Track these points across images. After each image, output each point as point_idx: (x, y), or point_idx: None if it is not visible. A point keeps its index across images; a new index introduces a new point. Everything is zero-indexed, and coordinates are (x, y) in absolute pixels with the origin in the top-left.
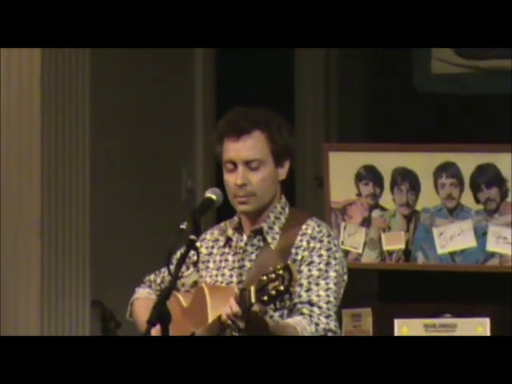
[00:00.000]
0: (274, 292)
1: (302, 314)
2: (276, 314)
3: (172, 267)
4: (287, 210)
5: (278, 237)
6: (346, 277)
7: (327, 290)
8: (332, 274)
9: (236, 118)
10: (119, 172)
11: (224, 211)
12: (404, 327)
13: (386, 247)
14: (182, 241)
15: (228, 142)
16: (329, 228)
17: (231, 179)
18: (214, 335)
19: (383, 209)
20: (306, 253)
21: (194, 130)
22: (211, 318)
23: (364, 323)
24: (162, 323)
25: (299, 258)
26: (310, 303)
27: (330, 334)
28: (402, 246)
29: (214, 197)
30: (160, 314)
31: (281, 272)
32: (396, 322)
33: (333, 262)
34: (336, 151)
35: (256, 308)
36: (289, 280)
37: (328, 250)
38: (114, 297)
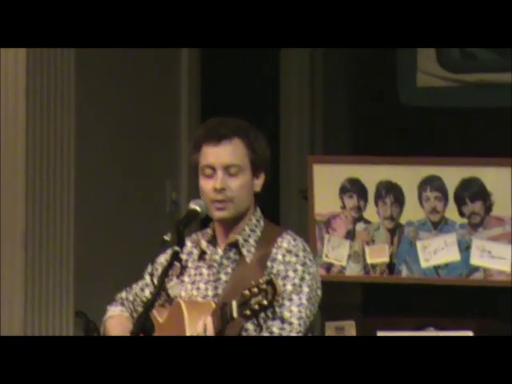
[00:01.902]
0: (256, 306)
1: (271, 332)
2: (251, 327)
3: (155, 279)
4: (262, 222)
5: (253, 250)
6: (319, 291)
7: (300, 305)
8: (305, 289)
9: (215, 125)
10: (103, 184)
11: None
12: None
13: (369, 260)
14: (161, 250)
15: (207, 147)
16: (304, 242)
17: (209, 185)
18: None
19: (367, 222)
20: (281, 267)
21: (178, 142)
22: (189, 334)
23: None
24: (144, 335)
25: (274, 271)
26: (282, 320)
27: None
28: (386, 259)
29: (198, 208)
30: (144, 325)
31: (264, 286)
32: (379, 334)
33: (307, 277)
34: (321, 164)
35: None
36: (272, 294)
37: (303, 264)
38: (98, 308)
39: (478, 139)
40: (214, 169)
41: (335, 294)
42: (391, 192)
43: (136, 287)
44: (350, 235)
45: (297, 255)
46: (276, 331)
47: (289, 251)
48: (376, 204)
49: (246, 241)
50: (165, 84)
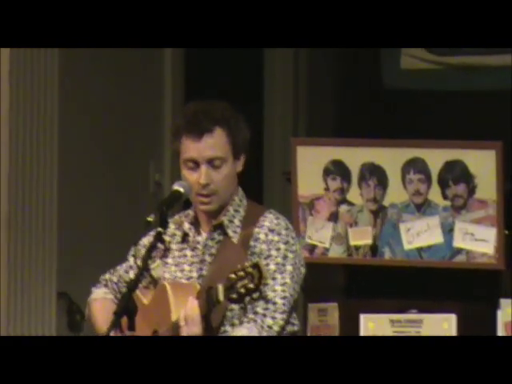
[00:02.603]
0: (243, 290)
1: (256, 313)
2: (236, 307)
3: (139, 260)
4: (245, 201)
5: (238, 230)
6: (303, 269)
7: (283, 284)
8: (289, 267)
9: (196, 118)
10: (87, 164)
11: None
12: (370, 322)
13: (352, 242)
14: (145, 232)
15: (188, 140)
16: (287, 221)
17: (193, 177)
18: (176, 335)
19: (351, 204)
20: (263, 246)
21: (162, 123)
22: (174, 316)
23: (330, 318)
24: (128, 315)
25: (257, 250)
26: (265, 300)
27: (289, 329)
28: (369, 242)
29: (181, 189)
30: (127, 306)
31: (250, 270)
32: (362, 317)
33: (290, 255)
34: (304, 146)
35: (215, 322)
36: (259, 278)
37: (286, 243)
38: (81, 289)
39: (461, 122)
40: (196, 163)
41: (318, 276)
42: (375, 174)
43: (120, 269)
44: (334, 217)
45: (279, 234)
46: (260, 311)
47: (271, 230)
48: (359, 186)
49: (230, 221)
50: (149, 66)
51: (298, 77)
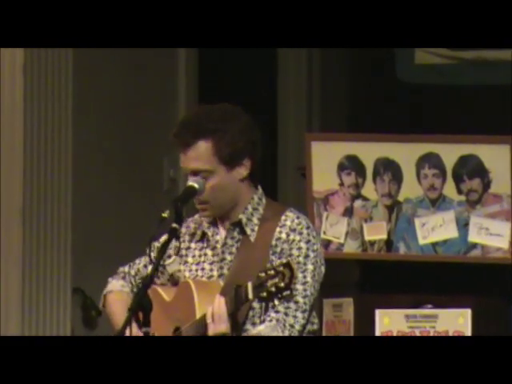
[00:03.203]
0: (273, 289)
1: (277, 311)
2: (257, 306)
3: (153, 255)
4: (264, 200)
5: (256, 228)
6: (323, 268)
7: (304, 283)
8: (310, 266)
9: (180, 131)
10: (101, 161)
11: None
12: (385, 317)
13: (367, 237)
14: (164, 229)
15: (179, 153)
16: (307, 219)
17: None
18: (200, 332)
19: (365, 199)
20: (285, 245)
21: (176, 119)
22: (199, 313)
23: (345, 313)
24: (143, 311)
25: (278, 250)
26: (287, 298)
27: (309, 328)
28: (384, 237)
29: (196, 185)
30: (141, 301)
31: (281, 269)
32: (377, 312)
33: (311, 254)
34: (318, 141)
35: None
36: (290, 277)
37: (307, 242)
38: (96, 284)
39: (476, 116)
40: (186, 175)
41: (333, 271)
42: (389, 169)
43: (139, 263)
44: (348, 212)
45: (300, 233)
46: (282, 310)
47: (292, 229)
48: (374, 181)
49: (249, 220)
50: (163, 62)
51: (311, 72)
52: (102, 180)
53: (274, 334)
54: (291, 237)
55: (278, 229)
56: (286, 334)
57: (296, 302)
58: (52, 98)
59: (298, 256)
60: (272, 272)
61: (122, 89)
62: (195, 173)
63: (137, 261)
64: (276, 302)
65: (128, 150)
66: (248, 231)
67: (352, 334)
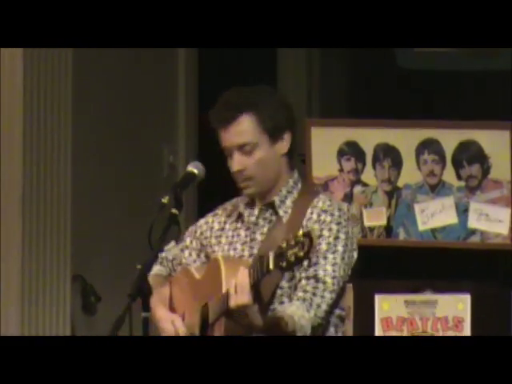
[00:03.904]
0: (293, 258)
1: (305, 291)
2: (286, 285)
3: (152, 241)
4: (300, 185)
5: (289, 211)
6: (355, 254)
7: (334, 264)
8: (340, 248)
9: (221, 108)
10: (101, 148)
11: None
12: (384, 303)
13: (367, 223)
14: (164, 215)
15: (220, 131)
16: (340, 203)
17: (230, 165)
18: (223, 308)
19: (365, 185)
20: (316, 226)
21: (175, 105)
22: (225, 287)
23: (345, 299)
24: (142, 297)
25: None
26: (316, 278)
27: (337, 313)
28: (384, 222)
29: (195, 171)
30: (140, 287)
31: (301, 239)
32: (377, 297)
33: (342, 236)
34: (318, 127)
35: (255, 307)
36: (309, 246)
37: (338, 223)
38: (95, 271)
39: (476, 102)
40: (229, 150)
41: None
42: (389, 155)
43: (176, 247)
44: (348, 198)
45: (332, 215)
46: (310, 290)
47: (324, 211)
48: (374, 167)
49: (282, 202)
50: (163, 50)
51: (311, 58)
52: (102, 167)
53: (300, 312)
54: (322, 217)
55: (309, 209)
56: (312, 313)
57: (324, 283)
58: (52, 84)
59: (329, 237)
60: (292, 242)
61: (121, 75)
62: (240, 147)
63: (174, 245)
64: (304, 281)
65: (128, 136)
66: (281, 212)
67: (351, 319)
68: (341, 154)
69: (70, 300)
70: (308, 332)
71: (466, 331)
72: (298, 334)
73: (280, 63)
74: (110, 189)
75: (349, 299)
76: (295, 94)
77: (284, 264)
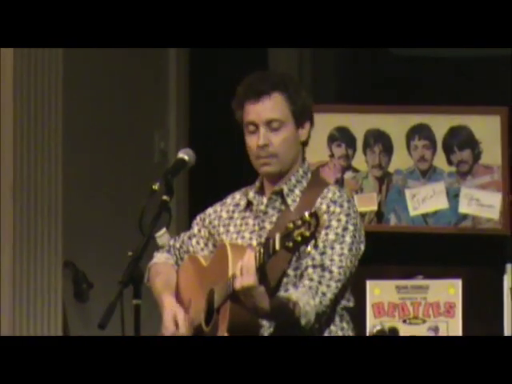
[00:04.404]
0: (299, 238)
1: (311, 279)
2: (292, 273)
3: (144, 228)
4: (309, 174)
5: (298, 200)
6: (362, 246)
7: (341, 255)
8: (348, 239)
9: (254, 82)
10: (92, 134)
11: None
12: (376, 288)
13: (358, 209)
14: (155, 202)
15: (248, 104)
16: (349, 194)
17: (253, 141)
18: (228, 291)
19: (356, 170)
20: (325, 216)
21: (167, 92)
22: (231, 273)
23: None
24: (134, 284)
25: None
26: (322, 267)
27: (343, 304)
28: (375, 208)
29: (186, 157)
30: (132, 274)
31: (307, 218)
32: (368, 283)
33: (351, 227)
34: None
35: (261, 289)
36: (315, 226)
37: (347, 215)
38: (87, 257)
39: (466, 88)
40: (256, 125)
41: None
42: (380, 140)
43: (184, 235)
44: (339, 184)
45: (341, 206)
46: (316, 278)
47: (333, 201)
48: (364, 152)
49: (291, 190)
50: (155, 53)
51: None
52: (93, 154)
53: (305, 298)
54: (332, 208)
55: (319, 200)
56: (317, 301)
57: (331, 272)
58: (42, 70)
59: (337, 228)
60: (299, 222)
61: (113, 64)
62: (268, 123)
63: (182, 233)
64: (310, 270)
65: (119, 122)
66: (289, 201)
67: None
68: (331, 139)
69: (62, 287)
70: (312, 319)
71: (458, 316)
72: (303, 320)
73: (272, 48)
74: (101, 176)
75: None
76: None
77: (290, 244)
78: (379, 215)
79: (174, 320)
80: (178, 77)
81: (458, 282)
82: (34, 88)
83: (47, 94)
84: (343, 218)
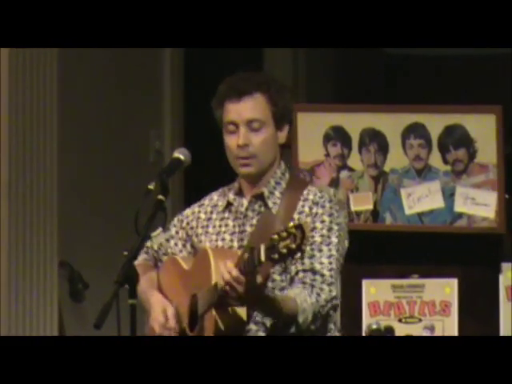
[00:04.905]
0: (285, 250)
1: (304, 283)
2: (278, 278)
3: (139, 228)
4: (287, 175)
5: (278, 202)
6: (346, 243)
7: (330, 256)
8: (334, 239)
9: (236, 81)
10: (87, 133)
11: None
12: (372, 288)
13: (353, 208)
14: (150, 202)
15: (229, 103)
16: (331, 193)
17: (232, 141)
18: (212, 301)
19: (351, 169)
20: (308, 219)
21: (162, 91)
22: (215, 279)
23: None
24: (129, 283)
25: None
26: (313, 271)
27: (334, 302)
28: (370, 207)
29: (181, 157)
30: (127, 274)
31: (293, 230)
32: (364, 282)
33: (335, 227)
34: (304, 112)
35: (259, 279)
36: (301, 238)
37: (330, 215)
38: (82, 257)
39: (461, 86)
40: (236, 125)
41: None
42: (375, 139)
43: (161, 237)
44: (334, 183)
45: (323, 206)
46: (308, 281)
47: (315, 203)
48: (360, 152)
49: (271, 193)
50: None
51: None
52: (88, 153)
53: (302, 295)
54: (314, 210)
55: (300, 202)
56: (314, 299)
57: (322, 275)
58: (37, 70)
59: (322, 229)
60: (284, 234)
61: (108, 63)
62: (249, 122)
63: (160, 231)
64: (301, 274)
65: (114, 122)
66: (270, 204)
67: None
68: (327, 138)
69: (58, 287)
70: (310, 317)
71: (453, 315)
72: (300, 317)
73: (267, 48)
74: (97, 175)
75: None
76: (281, 78)
77: (276, 256)
78: (375, 214)
79: (164, 313)
80: (173, 76)
81: (454, 281)
82: (29, 87)
83: (42, 93)
84: (327, 218)
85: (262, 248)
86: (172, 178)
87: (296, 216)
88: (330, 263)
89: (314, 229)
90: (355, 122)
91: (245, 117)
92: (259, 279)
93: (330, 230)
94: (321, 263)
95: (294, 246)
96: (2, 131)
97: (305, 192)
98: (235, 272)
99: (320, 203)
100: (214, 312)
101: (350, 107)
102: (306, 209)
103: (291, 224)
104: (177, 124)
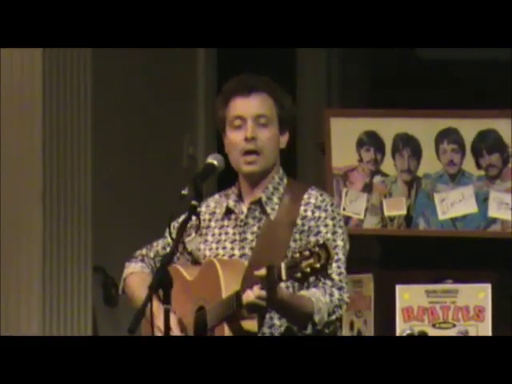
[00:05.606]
0: (308, 269)
1: (315, 286)
2: (283, 285)
3: (174, 233)
4: (285, 180)
5: (277, 207)
6: (348, 245)
7: (337, 260)
8: (339, 243)
9: (245, 78)
10: (121, 138)
11: (226, 180)
12: (405, 293)
13: (387, 213)
14: (184, 207)
15: (236, 99)
16: (330, 196)
17: (239, 136)
18: (228, 311)
19: (384, 175)
20: (312, 223)
21: (195, 96)
22: (225, 292)
23: (365, 289)
24: (163, 289)
25: (306, 228)
26: (323, 275)
27: (344, 306)
28: (404, 212)
29: (215, 162)
30: (161, 279)
31: (316, 250)
32: (397, 288)
33: (339, 230)
34: (337, 117)
35: (279, 294)
36: (326, 258)
37: (333, 218)
38: (116, 263)
39: (494, 91)
40: (243, 119)
41: (353, 248)
42: (408, 145)
43: (157, 245)
44: (368, 188)
45: (326, 210)
46: (320, 285)
47: (317, 207)
48: (393, 157)
49: (269, 199)
50: (183, 53)
51: (331, 48)
52: (122, 158)
53: (317, 294)
54: (317, 214)
55: (302, 207)
56: (328, 299)
57: (332, 280)
58: (71, 72)
59: (326, 233)
60: (307, 253)
61: (142, 65)
62: (257, 117)
63: (154, 243)
64: (311, 279)
65: (148, 127)
66: (268, 210)
67: (372, 309)
68: (360, 144)
69: (92, 292)
70: (325, 316)
71: (487, 320)
72: (316, 316)
73: (300, 50)
74: (131, 180)
75: (369, 289)
76: (314, 83)
77: (299, 275)
78: (408, 219)
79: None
80: (207, 82)
81: (488, 286)
82: (63, 91)
83: (76, 97)
84: (330, 222)
85: (283, 266)
86: (206, 183)
87: (299, 221)
88: (339, 267)
89: (318, 233)
90: (388, 127)
91: (253, 111)
92: (279, 294)
93: (334, 233)
94: (329, 268)
95: (318, 265)
96: (36, 138)
97: (305, 196)
98: (258, 291)
99: (322, 207)
100: (225, 325)
101: (383, 112)
102: (309, 213)
103: (313, 242)
104: (210, 129)
